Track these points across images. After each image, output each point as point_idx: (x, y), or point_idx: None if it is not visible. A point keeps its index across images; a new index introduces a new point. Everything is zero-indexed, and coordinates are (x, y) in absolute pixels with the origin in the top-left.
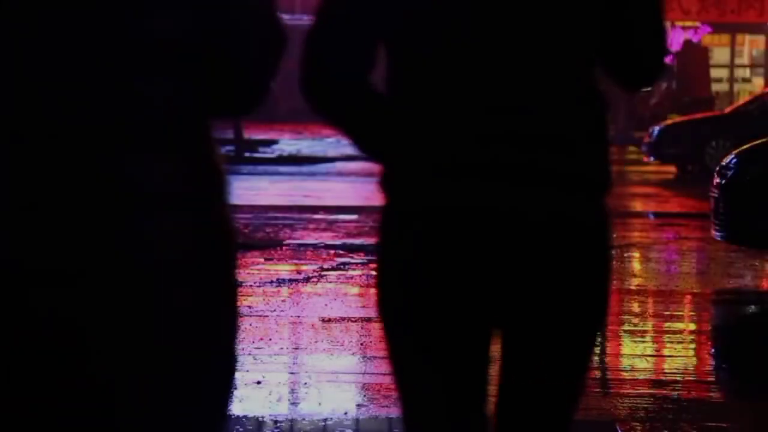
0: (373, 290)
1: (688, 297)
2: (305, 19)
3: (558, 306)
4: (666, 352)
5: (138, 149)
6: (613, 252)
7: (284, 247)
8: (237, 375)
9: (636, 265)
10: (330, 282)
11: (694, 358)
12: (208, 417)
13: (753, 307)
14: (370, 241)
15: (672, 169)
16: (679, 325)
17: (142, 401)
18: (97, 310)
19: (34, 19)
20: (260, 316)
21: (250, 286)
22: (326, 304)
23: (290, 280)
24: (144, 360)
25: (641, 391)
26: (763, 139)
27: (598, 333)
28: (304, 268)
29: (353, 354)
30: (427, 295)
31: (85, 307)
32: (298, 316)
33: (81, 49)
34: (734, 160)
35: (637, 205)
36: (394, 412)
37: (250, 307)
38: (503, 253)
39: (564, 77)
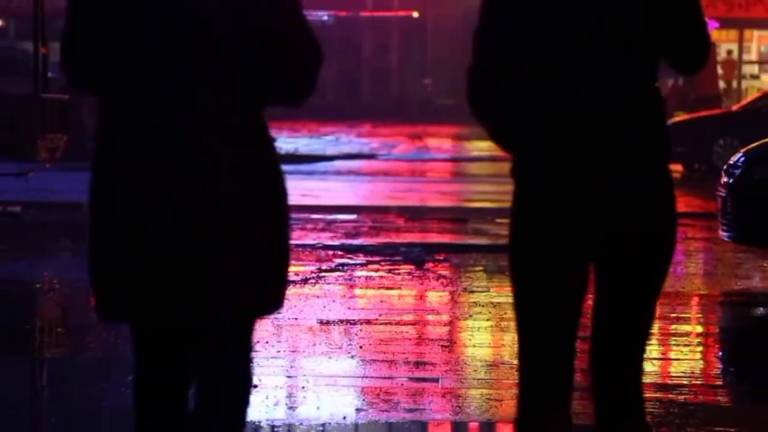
0: (371, 292)
1: (695, 299)
2: (312, 14)
3: (639, 237)
4: (672, 355)
5: (214, 132)
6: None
7: None
8: None
9: None
10: (328, 283)
11: (701, 362)
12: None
13: (761, 309)
14: (370, 241)
15: (678, 167)
16: (686, 328)
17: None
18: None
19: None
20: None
21: None
22: (324, 306)
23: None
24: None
25: (647, 395)
26: None
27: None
28: (301, 269)
29: (352, 357)
30: (551, 239)
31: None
32: (296, 319)
33: (179, 71)
34: (742, 159)
35: None
36: (394, 416)
37: None
38: (599, 206)
39: (636, 83)
